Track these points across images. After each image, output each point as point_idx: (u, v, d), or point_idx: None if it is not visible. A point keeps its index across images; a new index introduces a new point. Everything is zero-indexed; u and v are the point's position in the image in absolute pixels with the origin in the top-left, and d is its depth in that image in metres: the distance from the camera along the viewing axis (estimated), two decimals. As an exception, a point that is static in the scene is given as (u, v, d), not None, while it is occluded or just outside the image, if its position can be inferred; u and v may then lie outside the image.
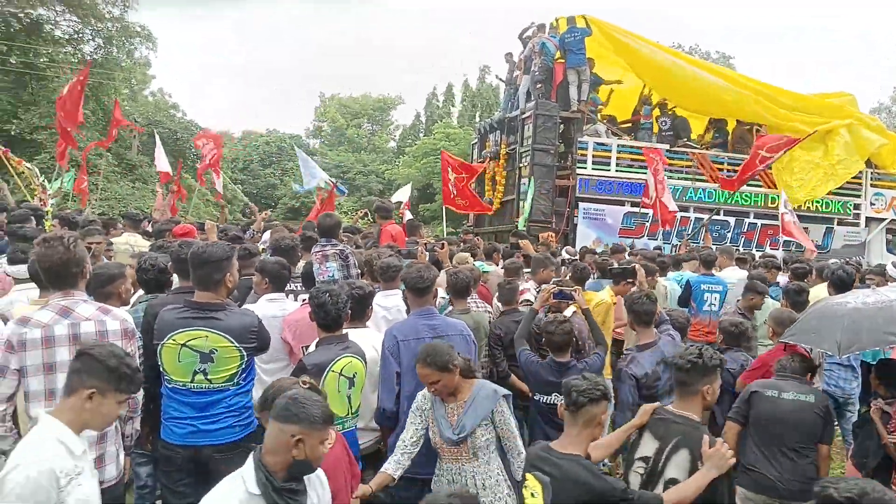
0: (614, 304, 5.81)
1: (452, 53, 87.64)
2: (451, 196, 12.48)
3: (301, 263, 5.74)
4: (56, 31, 25.20)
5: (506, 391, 3.33)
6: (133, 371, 2.32)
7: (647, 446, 2.98)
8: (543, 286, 4.93)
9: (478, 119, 38.94)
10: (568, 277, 5.73)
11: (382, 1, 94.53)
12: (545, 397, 4.42)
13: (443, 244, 6.15)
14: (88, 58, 25.07)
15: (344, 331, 3.60)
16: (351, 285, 3.86)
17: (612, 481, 2.71)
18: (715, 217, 13.75)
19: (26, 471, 2.05)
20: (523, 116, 13.76)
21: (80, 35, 25.85)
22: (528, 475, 2.70)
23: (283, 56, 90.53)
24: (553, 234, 10.64)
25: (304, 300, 4.73)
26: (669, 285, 7.41)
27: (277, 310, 4.17)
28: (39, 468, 2.06)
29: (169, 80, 73.21)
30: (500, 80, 16.79)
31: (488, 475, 3.20)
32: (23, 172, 11.49)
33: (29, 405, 2.82)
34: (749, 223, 14.26)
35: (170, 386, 3.34)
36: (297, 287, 4.95)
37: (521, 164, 13.78)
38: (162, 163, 13.29)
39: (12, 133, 21.96)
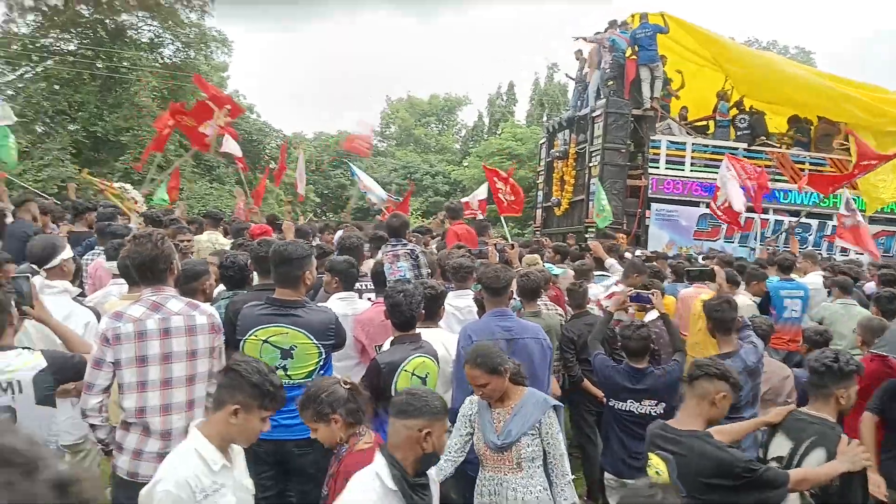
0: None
1: (519, 51, 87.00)
2: (506, 204, 12.33)
3: (370, 262, 5.83)
4: (138, 37, 26.44)
5: (556, 402, 3.23)
6: (276, 388, 2.36)
7: (781, 446, 2.97)
8: (620, 289, 4.83)
9: (545, 118, 38.62)
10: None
11: (448, 3, 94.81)
12: (620, 403, 4.33)
13: (513, 245, 6.12)
14: (169, 62, 26.23)
15: (417, 330, 3.62)
16: (423, 285, 3.87)
17: (736, 453, 2.71)
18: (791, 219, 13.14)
19: (166, 485, 2.17)
20: (593, 114, 13.50)
21: (161, 40, 27.02)
22: (650, 454, 2.75)
23: (354, 58, 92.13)
24: (624, 236, 10.42)
25: (371, 299, 4.81)
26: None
27: (348, 308, 4.22)
28: (177, 482, 2.16)
29: (243, 83, 75.72)
30: (570, 77, 16.53)
31: (529, 489, 3.05)
32: (118, 195, 12.09)
33: (122, 397, 2.92)
34: (832, 226, 13.58)
35: (251, 381, 3.42)
36: (366, 286, 5.01)
37: (590, 164, 13.53)
38: (233, 147, 13.60)
39: (98, 135, 23.13)
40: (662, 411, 4.32)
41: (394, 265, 4.98)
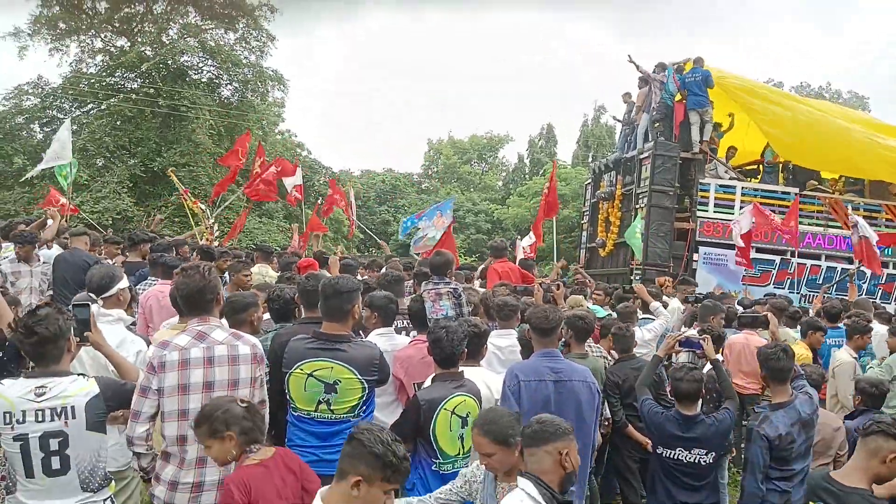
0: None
1: (563, 93, 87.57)
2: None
3: (406, 299, 5.84)
4: (197, 76, 27.58)
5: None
6: (400, 460, 2.24)
7: None
8: (669, 334, 4.72)
9: (590, 159, 38.53)
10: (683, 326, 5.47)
11: (496, 43, 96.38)
12: (669, 451, 4.20)
13: (559, 285, 6.06)
14: (226, 101, 27.25)
15: (460, 369, 3.59)
16: (467, 322, 3.85)
17: None
18: (850, 266, 12.70)
19: None
20: (641, 156, 13.43)
21: (219, 79, 28.12)
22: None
23: (400, 96, 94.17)
24: (670, 279, 10.23)
25: (414, 336, 4.79)
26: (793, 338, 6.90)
27: (387, 344, 4.19)
28: None
29: (296, 122, 77.86)
30: (617, 120, 16.51)
31: None
32: (196, 214, 12.53)
33: (164, 425, 2.96)
34: (888, 274, 13.08)
35: (295, 414, 3.45)
36: (405, 324, 5.00)
37: (637, 206, 13.41)
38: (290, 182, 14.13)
39: (155, 169, 24.02)
40: (712, 461, 4.18)
41: (436, 304, 4.96)
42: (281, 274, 6.84)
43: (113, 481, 3.02)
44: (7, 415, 2.66)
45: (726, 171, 13.59)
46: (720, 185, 13.07)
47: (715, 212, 12.94)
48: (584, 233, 16.16)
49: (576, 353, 4.74)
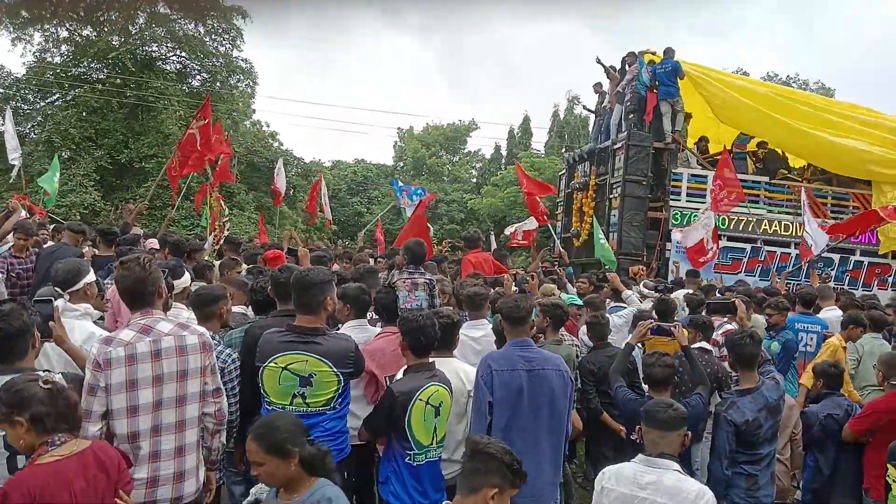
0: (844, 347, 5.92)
1: (538, 81, 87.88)
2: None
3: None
4: (166, 67, 27.08)
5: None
6: (520, 464, 2.35)
7: None
8: (641, 322, 4.78)
9: (564, 149, 38.73)
10: (653, 312, 5.54)
11: (468, 31, 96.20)
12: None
13: (532, 276, 6.10)
14: (196, 91, 26.83)
15: (431, 359, 3.59)
16: (438, 314, 3.83)
17: None
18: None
19: None
20: (615, 147, 13.56)
21: (188, 70, 27.64)
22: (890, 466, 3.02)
23: (368, 89, 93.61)
24: (644, 268, 10.36)
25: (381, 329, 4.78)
26: (760, 324, 7.04)
27: (361, 336, 4.17)
28: None
29: (267, 113, 76.84)
30: (589, 111, 16.65)
31: None
32: (213, 207, 12.35)
33: (114, 422, 2.88)
34: (855, 261, 13.40)
35: (269, 408, 3.42)
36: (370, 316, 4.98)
37: (611, 196, 13.54)
38: (281, 183, 14.02)
39: (122, 161, 23.58)
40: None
41: (411, 293, 4.97)
42: (250, 267, 6.79)
43: None
44: None
45: (697, 161, 13.78)
46: (692, 175, 13.25)
47: (687, 201, 13.13)
48: (559, 223, 16.27)
49: (551, 341, 4.79)
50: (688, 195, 13.15)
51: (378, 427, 3.31)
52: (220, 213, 12.02)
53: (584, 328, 6.06)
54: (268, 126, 32.23)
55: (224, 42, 27.25)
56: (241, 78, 28.30)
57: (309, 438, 2.65)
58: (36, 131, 25.21)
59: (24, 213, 7.84)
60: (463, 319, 4.52)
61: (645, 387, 4.48)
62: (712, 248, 10.53)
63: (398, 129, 50.19)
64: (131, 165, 23.88)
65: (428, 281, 5.31)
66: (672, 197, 13.07)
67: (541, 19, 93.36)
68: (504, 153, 45.02)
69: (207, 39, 27.04)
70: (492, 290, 5.39)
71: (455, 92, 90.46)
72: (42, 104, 25.81)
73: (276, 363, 3.35)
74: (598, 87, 15.50)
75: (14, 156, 12.20)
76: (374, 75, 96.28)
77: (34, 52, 25.89)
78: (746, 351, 4.13)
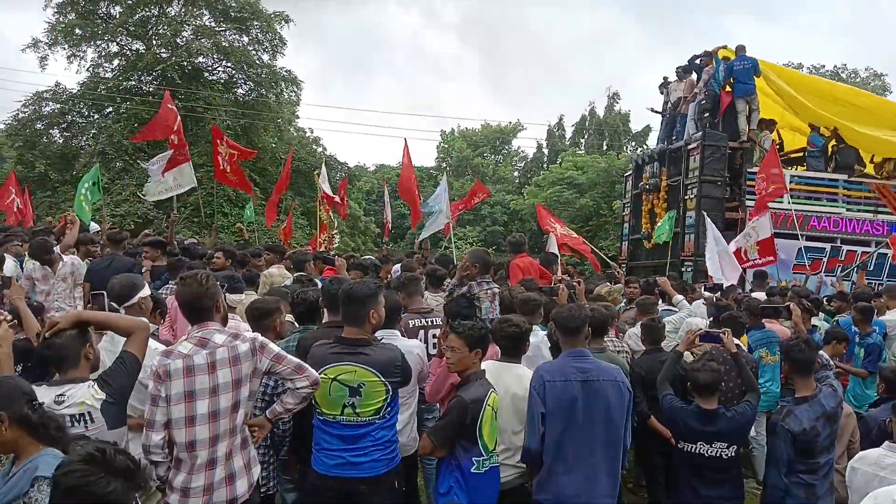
0: None
1: (578, 80, 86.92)
2: (562, 245, 12.34)
3: (435, 299, 5.85)
4: (212, 77, 27.74)
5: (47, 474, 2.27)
6: None
7: None
8: (690, 328, 4.71)
9: (605, 147, 38.24)
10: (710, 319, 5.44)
11: (506, 28, 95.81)
12: (690, 445, 4.21)
13: (579, 281, 6.05)
14: (241, 100, 27.42)
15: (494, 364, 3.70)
16: (508, 321, 3.87)
17: None
18: (884, 251, 12.49)
19: None
20: (689, 147, 13.30)
21: (234, 80, 28.27)
22: None
23: (409, 92, 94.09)
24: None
25: (436, 335, 4.81)
26: (822, 327, 6.83)
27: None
28: None
29: (312, 119, 78.07)
30: (655, 111, 16.37)
31: None
32: (322, 220, 12.69)
33: (174, 432, 2.99)
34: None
35: (320, 418, 3.49)
36: (431, 322, 5.01)
37: (686, 197, 13.28)
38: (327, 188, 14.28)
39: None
40: (734, 454, 4.18)
41: (493, 303, 4.99)
42: (298, 275, 6.91)
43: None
44: None
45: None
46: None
47: None
48: (627, 224, 16.10)
49: (593, 348, 4.73)
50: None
51: (450, 437, 3.33)
52: (329, 225, 12.31)
53: (630, 331, 5.98)
54: (311, 132, 32.69)
55: (267, 51, 27.78)
56: (285, 85, 28.78)
57: (34, 402, 2.46)
58: (91, 143, 26.11)
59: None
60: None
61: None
62: (755, 258, 10.21)
63: (441, 131, 50.42)
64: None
65: (496, 291, 5.29)
66: (748, 197, 12.74)
67: (581, 11, 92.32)
68: (546, 151, 44.71)
69: (251, 49, 27.59)
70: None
71: (495, 91, 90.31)
72: (96, 117, 26.71)
73: (325, 374, 3.41)
74: (663, 86, 15.29)
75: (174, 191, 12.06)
76: (413, 76, 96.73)
77: (88, 68, 26.87)
78: (803, 357, 4.03)
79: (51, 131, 25.84)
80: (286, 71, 28.61)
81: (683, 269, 12.58)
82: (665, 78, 15.52)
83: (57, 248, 6.76)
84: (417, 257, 10.24)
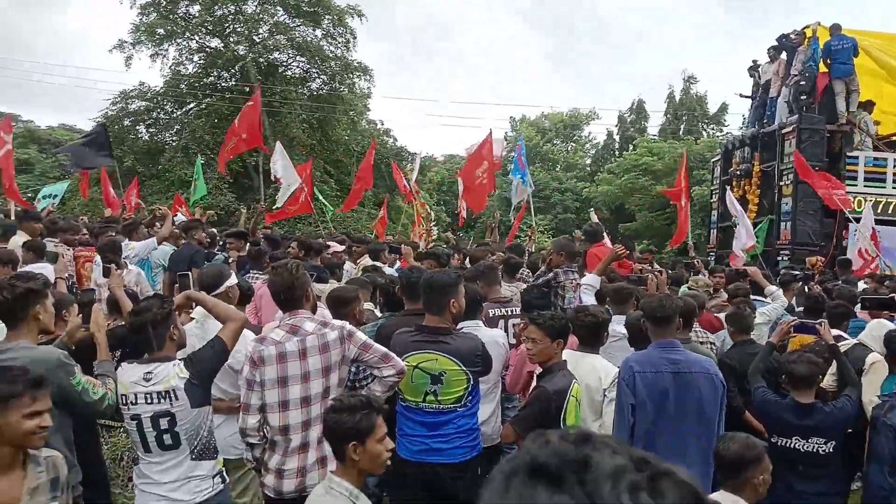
0: None
1: (650, 64, 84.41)
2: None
3: (512, 289, 5.80)
4: (288, 72, 28.44)
5: None
6: None
7: None
8: (784, 318, 4.49)
9: (681, 131, 36.98)
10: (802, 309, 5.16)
11: (576, 18, 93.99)
12: (784, 440, 4.02)
13: (661, 270, 5.86)
14: (315, 94, 28.02)
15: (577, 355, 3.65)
16: (585, 311, 3.82)
17: None
18: None
19: None
20: (783, 131, 12.70)
21: (309, 74, 28.90)
22: None
23: (478, 79, 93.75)
24: (821, 259, 9.62)
25: (516, 325, 4.77)
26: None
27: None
28: None
29: (382, 111, 78.95)
30: (745, 96, 15.74)
31: None
32: (418, 212, 13.05)
33: (268, 415, 3.13)
34: None
35: (403, 404, 3.54)
36: (510, 311, 4.96)
37: (781, 183, 12.71)
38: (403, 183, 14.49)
39: (251, 165, 25.04)
40: (831, 450, 3.97)
41: (577, 293, 4.92)
42: (369, 265, 6.99)
43: (220, 454, 3.18)
44: (123, 397, 2.94)
45: (873, 143, 12.70)
46: (869, 158, 12.22)
47: (865, 186, 12.13)
48: (716, 212, 15.58)
49: (679, 339, 4.58)
50: (865, 179, 12.15)
51: (533, 427, 3.30)
52: (425, 217, 12.51)
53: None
54: (381, 124, 33.07)
55: (339, 45, 28.23)
56: (357, 77, 29.18)
57: None
58: (174, 139, 27.26)
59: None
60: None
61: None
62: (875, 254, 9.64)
63: (510, 118, 49.97)
64: (260, 168, 25.29)
65: (580, 282, 5.20)
66: (848, 182, 12.01)
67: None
68: (617, 138, 43.65)
69: (324, 43, 28.11)
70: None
71: (564, 77, 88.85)
72: (179, 113, 27.85)
73: (407, 361, 3.43)
74: (752, 68, 14.70)
75: (287, 189, 12.23)
76: (483, 64, 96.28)
77: (170, 66, 28.02)
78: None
79: (137, 128, 27.07)
80: (357, 62, 29.01)
81: (779, 258, 12.03)
82: (754, 61, 14.93)
83: (128, 251, 7.06)
84: (488, 247, 10.18)
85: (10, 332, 3.09)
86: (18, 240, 6.89)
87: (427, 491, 3.48)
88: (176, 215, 9.67)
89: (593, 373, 3.69)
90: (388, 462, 2.64)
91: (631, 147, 35.22)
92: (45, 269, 5.18)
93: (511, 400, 4.62)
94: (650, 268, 6.85)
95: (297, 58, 28.17)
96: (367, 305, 5.05)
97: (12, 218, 8.40)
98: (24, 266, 5.52)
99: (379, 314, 4.94)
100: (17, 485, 2.32)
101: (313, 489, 2.62)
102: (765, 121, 13.89)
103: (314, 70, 28.45)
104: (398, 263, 7.79)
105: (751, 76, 14.86)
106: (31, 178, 28.94)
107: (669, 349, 3.55)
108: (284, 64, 28.36)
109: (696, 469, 3.42)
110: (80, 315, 3.46)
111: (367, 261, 7.64)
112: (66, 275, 5.05)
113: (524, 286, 5.48)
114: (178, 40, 27.63)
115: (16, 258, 5.62)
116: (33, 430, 2.30)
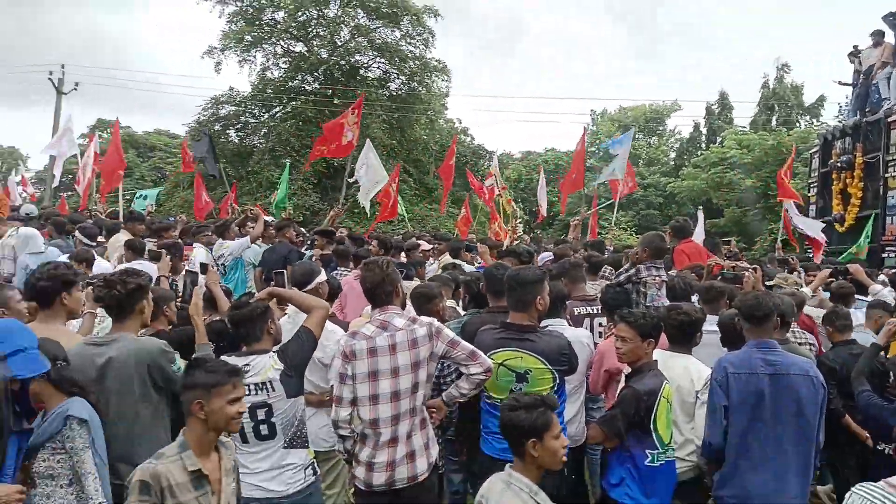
0: None
1: (738, 53, 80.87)
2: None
3: (595, 286, 5.69)
4: (368, 74, 29.01)
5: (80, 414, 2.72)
6: None
7: None
8: (890, 319, 4.21)
9: (773, 122, 35.23)
10: None
11: (657, 6, 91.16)
12: (891, 448, 3.78)
13: (756, 268, 5.60)
14: (394, 94, 28.45)
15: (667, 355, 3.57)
16: (677, 309, 3.73)
17: None
18: None
19: None
20: (889, 119, 11.95)
21: (388, 75, 29.38)
22: None
23: (555, 74, 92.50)
24: None
25: (602, 324, 4.68)
26: None
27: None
28: None
29: (461, 109, 79.53)
30: (845, 84, 14.91)
31: None
32: (506, 211, 13.33)
33: (359, 409, 3.21)
34: None
35: (488, 402, 3.54)
36: (595, 310, 4.88)
37: (886, 175, 11.98)
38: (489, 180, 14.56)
39: (336, 166, 25.70)
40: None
41: (660, 291, 4.80)
42: (448, 262, 7.05)
43: (311, 445, 3.29)
44: None
45: None
46: None
47: None
48: (814, 206, 14.85)
49: (776, 339, 4.37)
50: None
51: (622, 428, 3.26)
52: (511, 215, 12.63)
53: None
54: (459, 122, 33.18)
55: (417, 44, 28.54)
56: (436, 77, 29.41)
57: (59, 361, 2.80)
58: (262, 142, 28.30)
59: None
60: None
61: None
62: None
63: (591, 111, 49.08)
64: (343, 168, 25.91)
65: (667, 278, 5.03)
66: None
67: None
68: (704, 131, 42.03)
69: (402, 44, 28.49)
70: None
71: (646, 68, 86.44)
72: (266, 117, 28.90)
73: (492, 359, 3.43)
74: (853, 54, 13.91)
75: (374, 187, 12.44)
76: (561, 58, 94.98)
77: (257, 72, 29.11)
78: None
79: (227, 131, 28.29)
80: (436, 61, 29.25)
81: (885, 255, 11.32)
82: (855, 46, 14.08)
83: (222, 250, 7.42)
84: (570, 244, 10.03)
85: (115, 325, 3.34)
86: (122, 237, 7.42)
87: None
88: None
89: (685, 374, 3.58)
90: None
91: (718, 139, 33.86)
92: (142, 265, 5.52)
93: (596, 401, 4.54)
94: (744, 265, 6.56)
95: (378, 59, 28.68)
96: (449, 303, 5.09)
97: (120, 220, 9.03)
98: (124, 263, 5.92)
99: (461, 311, 4.97)
100: (217, 466, 2.56)
101: (491, 483, 2.70)
102: (867, 109, 13.03)
103: (393, 70, 28.89)
104: (479, 261, 7.82)
105: (851, 62, 14.03)
106: (130, 182, 30.69)
107: (766, 350, 3.40)
108: (365, 66, 28.94)
109: (794, 475, 3.28)
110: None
111: (447, 258, 7.72)
112: (168, 272, 5.35)
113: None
114: (265, 46, 28.67)
115: (91, 257, 6.10)
116: (234, 415, 2.51)
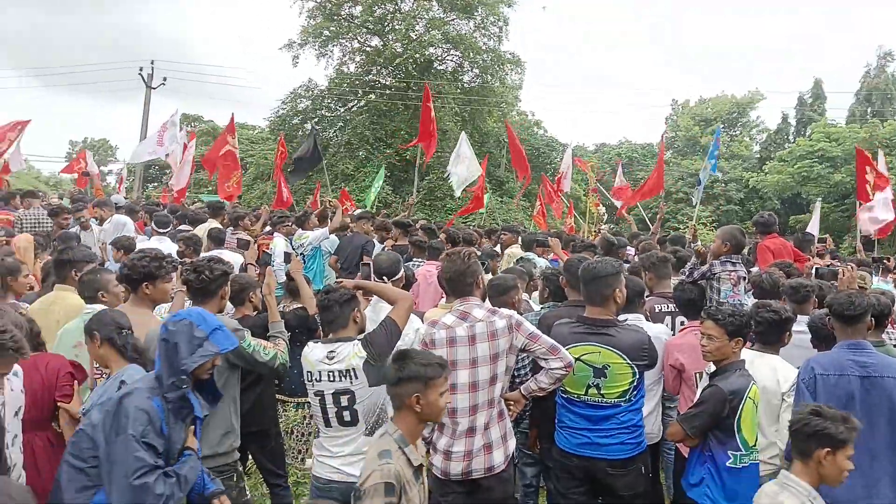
0: None
1: (832, 42, 76.54)
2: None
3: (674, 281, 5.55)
4: (442, 67, 29.13)
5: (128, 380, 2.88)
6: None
7: None
8: None
9: (870, 115, 33.28)
10: None
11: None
12: None
13: (851, 266, 5.33)
14: (467, 87, 28.48)
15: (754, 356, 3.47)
16: (765, 306, 3.61)
17: None
18: None
19: None
20: None
21: (461, 68, 29.42)
22: None
23: (635, 64, 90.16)
24: None
25: (683, 322, 4.56)
26: None
27: None
28: None
29: (533, 101, 78.60)
30: None
31: None
32: (592, 212, 13.40)
33: None
34: None
35: (564, 396, 3.52)
36: (675, 307, 4.76)
37: None
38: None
39: (408, 157, 26.00)
40: None
41: (736, 287, 4.64)
42: (520, 256, 7.02)
43: None
44: (309, 374, 3.18)
45: None
46: None
47: None
48: None
49: (871, 341, 4.15)
50: None
51: (704, 427, 3.19)
52: (598, 217, 12.57)
53: None
54: (532, 115, 32.91)
55: (491, 35, 28.44)
56: (509, 68, 29.25)
57: (122, 330, 3.09)
58: (338, 135, 28.91)
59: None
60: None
61: None
62: None
63: (673, 100, 47.63)
64: (415, 161, 26.19)
65: (745, 275, 4.85)
66: None
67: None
68: (793, 122, 40.09)
69: (476, 35, 28.46)
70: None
71: (729, 57, 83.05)
72: (342, 110, 29.49)
73: (569, 353, 3.40)
74: None
75: (468, 179, 12.76)
76: (634, 49, 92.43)
77: (334, 66, 29.72)
78: None
79: (304, 125, 29.03)
80: (511, 54, 29.07)
81: None
82: None
83: (302, 239, 7.68)
84: (648, 239, 9.81)
85: (195, 305, 3.50)
86: (206, 227, 7.85)
87: (588, 484, 3.45)
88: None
89: (772, 375, 3.46)
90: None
91: (809, 133, 32.27)
92: (223, 253, 5.79)
93: (673, 399, 4.44)
94: (838, 262, 6.24)
95: (451, 52, 28.76)
96: (524, 296, 5.07)
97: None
98: (206, 252, 6.25)
99: (535, 305, 4.94)
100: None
101: (764, 484, 2.77)
102: None
103: (467, 63, 28.91)
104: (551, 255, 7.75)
105: None
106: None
107: (858, 351, 3.25)
108: (438, 59, 29.07)
109: (887, 483, 3.13)
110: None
111: (517, 251, 7.68)
112: (254, 260, 5.59)
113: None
114: (342, 40, 29.24)
115: (132, 244, 6.43)
116: (444, 407, 2.62)
